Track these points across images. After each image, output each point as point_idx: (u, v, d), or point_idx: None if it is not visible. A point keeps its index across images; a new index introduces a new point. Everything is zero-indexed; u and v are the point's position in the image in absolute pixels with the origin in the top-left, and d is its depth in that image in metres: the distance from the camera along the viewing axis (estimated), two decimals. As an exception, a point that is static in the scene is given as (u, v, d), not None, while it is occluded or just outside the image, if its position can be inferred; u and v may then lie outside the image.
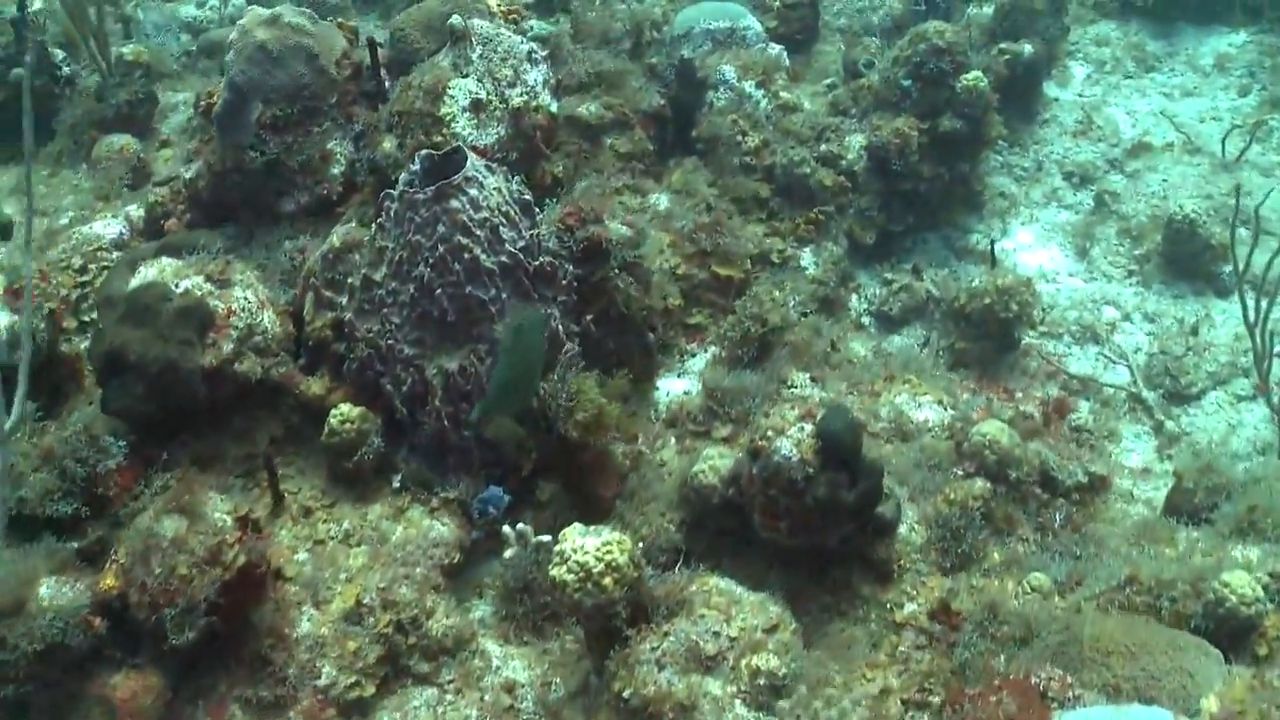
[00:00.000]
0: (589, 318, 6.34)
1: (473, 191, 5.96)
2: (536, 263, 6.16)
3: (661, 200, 8.27)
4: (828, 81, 9.53)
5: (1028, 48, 10.18)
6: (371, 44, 7.06)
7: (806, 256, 8.51)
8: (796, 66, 9.83)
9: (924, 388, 6.68)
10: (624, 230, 6.38)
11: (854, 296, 8.89)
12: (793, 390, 6.41)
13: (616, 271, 6.34)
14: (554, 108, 7.06)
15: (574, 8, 9.86)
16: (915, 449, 6.22)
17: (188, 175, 7.25)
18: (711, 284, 7.60)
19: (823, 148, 8.83)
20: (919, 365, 7.03)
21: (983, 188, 9.62)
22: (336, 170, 7.05)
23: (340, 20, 7.45)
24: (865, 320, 8.72)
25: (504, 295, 6.03)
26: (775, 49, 9.43)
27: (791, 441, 5.38)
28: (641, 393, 6.82)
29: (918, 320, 8.68)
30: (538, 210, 6.39)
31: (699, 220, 7.71)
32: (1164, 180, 9.83)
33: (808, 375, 6.50)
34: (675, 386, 7.08)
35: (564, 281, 6.27)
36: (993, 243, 8.72)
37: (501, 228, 6.03)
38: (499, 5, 7.62)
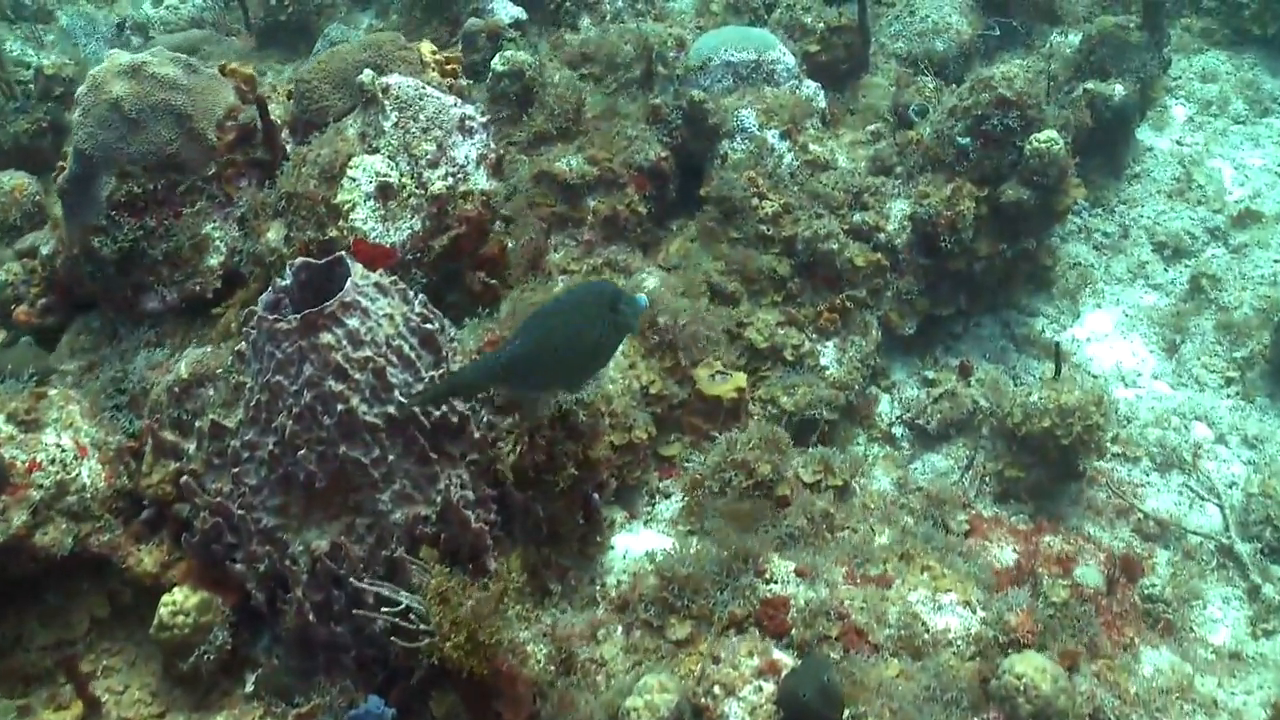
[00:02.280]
0: (509, 480, 4.88)
1: (352, 322, 4.51)
2: (439, 411, 4.72)
3: (649, 281, 6.77)
4: (872, 128, 7.92)
5: (1118, 89, 8.48)
6: (261, 103, 5.58)
7: (829, 352, 6.97)
8: (837, 106, 8.23)
9: (948, 578, 5.15)
10: (562, 365, 4.90)
11: (885, 398, 7.33)
12: (770, 586, 4.91)
13: (547, 422, 4.86)
14: (489, 187, 5.51)
15: (562, 23, 8.43)
16: (928, 674, 4.70)
17: (45, 251, 5.87)
18: (697, 405, 6.09)
19: (856, 217, 7.25)
20: (945, 541, 5.50)
21: (1053, 262, 7.98)
22: (214, 260, 5.60)
23: (234, 66, 5.98)
24: (896, 431, 7.17)
25: (390, 456, 4.60)
26: (809, 88, 7.84)
27: (744, 708, 3.96)
28: (585, 560, 5.35)
29: (961, 435, 7.10)
30: (453, 335, 4.93)
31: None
32: (1276, 261, 8.13)
33: (791, 566, 4.98)
34: (638, 544, 5.59)
35: (476, 436, 4.82)
36: (1058, 345, 7.10)
37: (390, 369, 4.59)
38: (433, 54, 6.10)
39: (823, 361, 6.92)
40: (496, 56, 7.16)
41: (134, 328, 5.60)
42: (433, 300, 5.41)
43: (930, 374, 7.36)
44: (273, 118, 5.72)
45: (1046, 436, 6.54)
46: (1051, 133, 7.19)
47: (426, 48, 6.07)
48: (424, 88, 5.39)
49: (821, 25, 8.64)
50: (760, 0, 9.17)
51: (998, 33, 9.23)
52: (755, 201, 7.12)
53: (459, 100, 5.51)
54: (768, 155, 7.31)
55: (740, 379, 6.14)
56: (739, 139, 7.37)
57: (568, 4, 8.89)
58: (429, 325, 4.73)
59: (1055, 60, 8.99)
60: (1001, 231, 7.39)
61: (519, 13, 8.18)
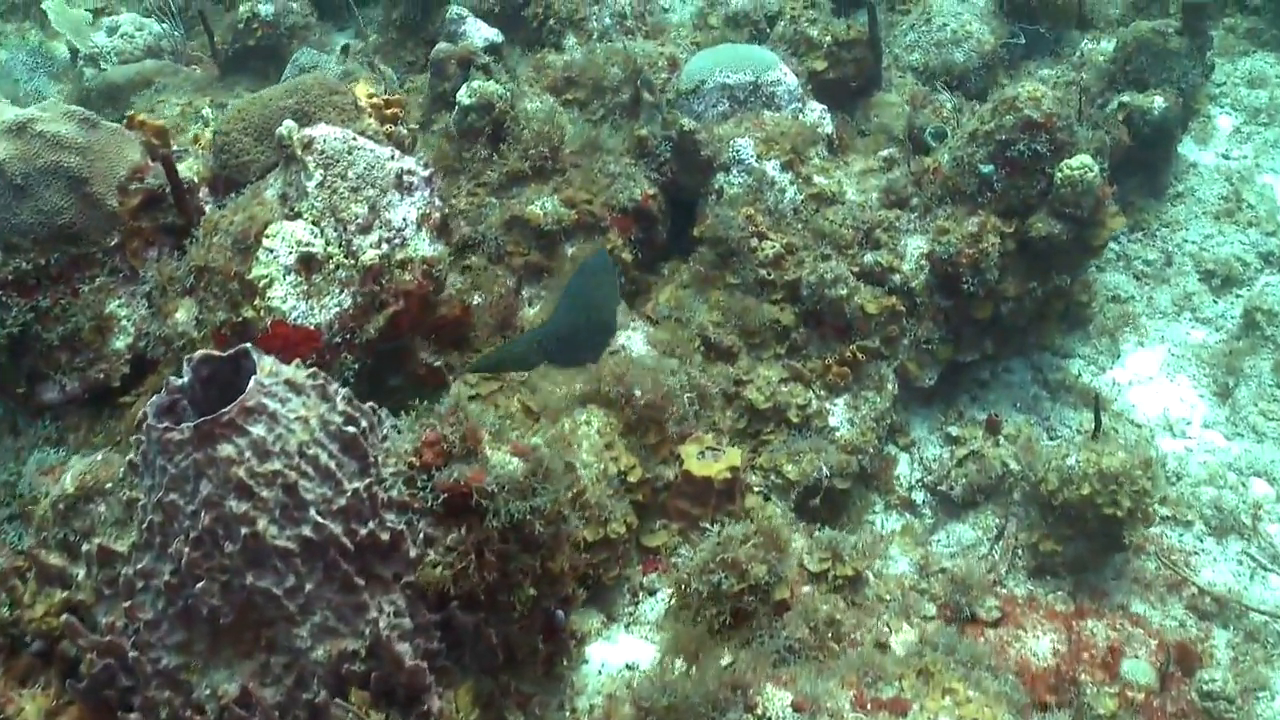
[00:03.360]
0: (454, 603, 4.15)
1: (257, 430, 3.80)
2: (366, 529, 4.00)
3: (634, 339, 6.05)
4: (885, 154, 7.12)
5: (1158, 101, 7.68)
6: (166, 161, 4.84)
7: (838, 411, 6.22)
8: (846, 130, 7.45)
9: (974, 703, 4.39)
10: (513, 466, 4.15)
11: (904, 458, 6.57)
12: (764, 724, 4.17)
13: (498, 534, 4.12)
14: (432, 253, 4.71)
15: (545, 42, 7.74)
16: (953, 827, 3.96)
17: (-69, 332, 5.17)
18: (684, 488, 5.35)
19: (867, 258, 6.48)
20: (970, 650, 4.73)
21: (1089, 297, 7.19)
22: (120, 343, 4.85)
23: (143, 117, 5.23)
24: (917, 497, 6.40)
25: (308, 585, 3.88)
26: (813, 112, 7.07)
27: None
28: (551, 682, 4.61)
29: (989, 502, 6.33)
30: (385, 432, 4.21)
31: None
32: (1340, 290, 7.33)
33: (788, 699, 4.22)
34: (617, 655, 4.87)
35: (411, 554, 4.09)
36: (1097, 399, 6.32)
37: (305, 482, 3.87)
38: (370, 98, 5.34)
39: (832, 422, 6.17)
40: (463, 88, 6.44)
41: (32, 421, 4.89)
42: (371, 384, 4.72)
43: (954, 430, 6.59)
44: (191, 175, 5.01)
45: (1086, 505, 5.79)
46: (1085, 158, 6.39)
47: (363, 90, 5.31)
48: (355, 139, 4.64)
49: (829, 39, 7.86)
50: (762, 13, 8.40)
51: (1023, 41, 8.44)
52: (754, 242, 6.39)
53: (397, 152, 4.75)
54: (768, 189, 6.56)
55: (734, 456, 5.38)
56: (735, 171, 6.62)
57: (551, 22, 8.16)
58: (351, 428, 4.01)
59: (1087, 70, 8.21)
60: (1031, 269, 6.61)
61: (494, 35, 7.44)
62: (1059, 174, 6.40)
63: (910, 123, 7.25)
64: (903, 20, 8.71)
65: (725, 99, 7.04)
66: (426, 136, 7.11)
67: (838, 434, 6.14)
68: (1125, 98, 7.75)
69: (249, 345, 3.93)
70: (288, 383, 3.95)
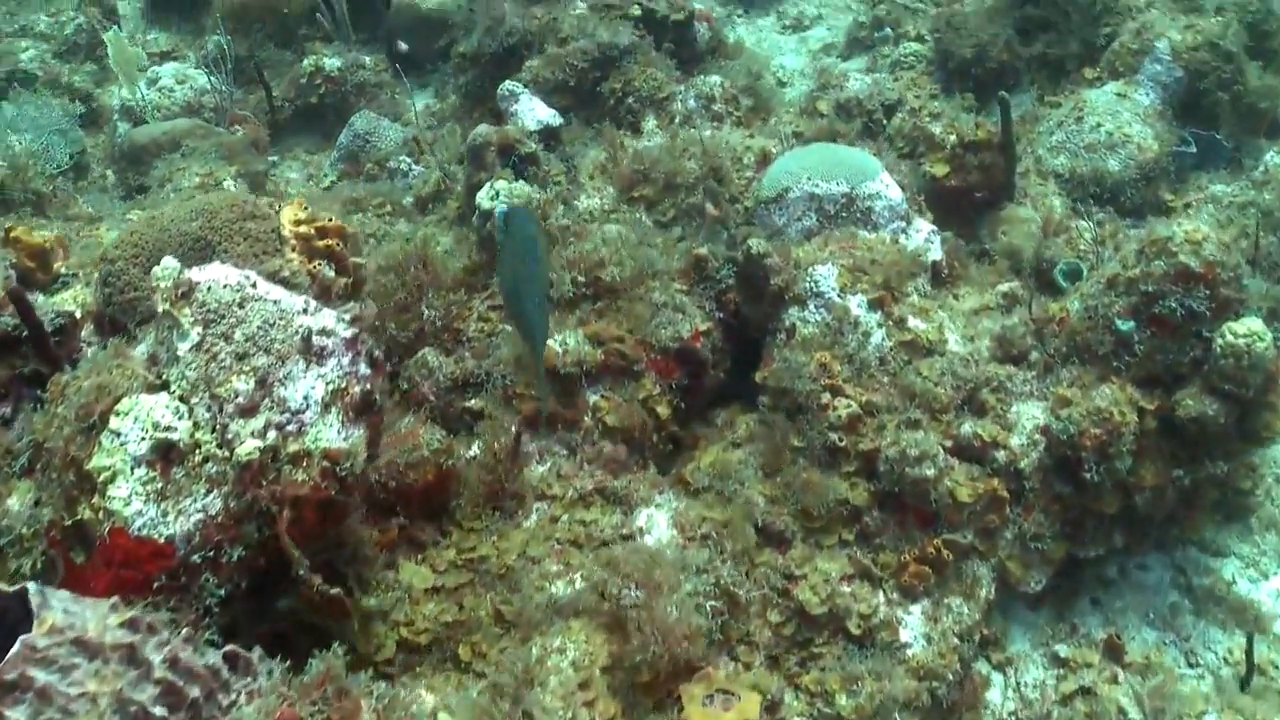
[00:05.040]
0: None
1: (16, 714, 2.75)
2: (181, 847, 2.91)
3: (658, 519, 4.87)
4: (1006, 288, 5.80)
5: (1358, 236, 6.22)
6: (16, 296, 3.78)
7: (914, 622, 4.93)
8: (960, 257, 6.14)
9: None
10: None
11: (997, 679, 5.25)
12: None
13: None
14: (342, 444, 3.51)
15: (623, 123, 6.69)
16: None
17: None
18: (683, 739, 4.14)
19: (965, 428, 5.20)
20: None
21: (1253, 482, 5.74)
22: (-41, 522, 3.88)
23: (19, 232, 4.19)
24: (1010, 734, 5.09)
25: None
26: (918, 235, 5.82)
27: None
28: None
29: (1101, 755, 4.97)
30: (239, 697, 3.12)
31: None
32: None
33: None
34: None
35: None
36: (1251, 638, 4.91)
37: (88, 789, 2.80)
38: (297, 225, 4.18)
39: (904, 636, 4.88)
40: (484, 188, 5.37)
41: None
42: (255, 606, 3.62)
43: (1064, 649, 5.24)
44: (74, 307, 4.01)
45: (1226, 781, 4.42)
46: (1255, 322, 4.99)
47: (289, 215, 4.20)
48: (253, 287, 3.51)
49: (953, 138, 6.58)
50: (879, 100, 7.16)
51: (1194, 149, 7.02)
52: (826, 398, 5.15)
53: (313, 303, 3.62)
54: (849, 331, 5.33)
55: (751, 705, 4.14)
56: (812, 306, 5.41)
57: (630, 100, 7.05)
58: (161, 709, 2.92)
59: (1270, 189, 6.76)
60: (1176, 454, 5.23)
61: (550, 117, 6.35)
62: (1220, 340, 5.02)
63: (1038, 254, 5.92)
64: (1050, 115, 7.39)
65: (812, 211, 5.84)
66: (459, 232, 6.11)
67: (910, 652, 4.85)
68: (1315, 230, 6.30)
69: (31, 585, 2.88)
70: (77, 642, 2.88)
